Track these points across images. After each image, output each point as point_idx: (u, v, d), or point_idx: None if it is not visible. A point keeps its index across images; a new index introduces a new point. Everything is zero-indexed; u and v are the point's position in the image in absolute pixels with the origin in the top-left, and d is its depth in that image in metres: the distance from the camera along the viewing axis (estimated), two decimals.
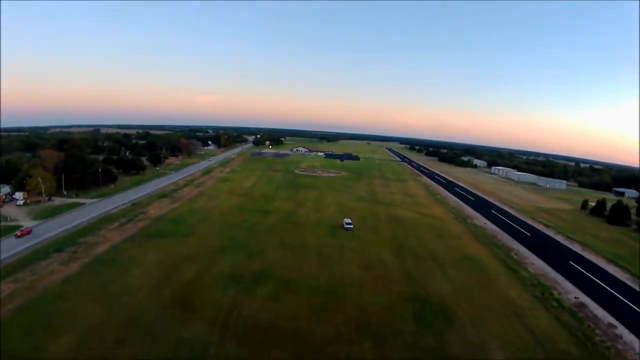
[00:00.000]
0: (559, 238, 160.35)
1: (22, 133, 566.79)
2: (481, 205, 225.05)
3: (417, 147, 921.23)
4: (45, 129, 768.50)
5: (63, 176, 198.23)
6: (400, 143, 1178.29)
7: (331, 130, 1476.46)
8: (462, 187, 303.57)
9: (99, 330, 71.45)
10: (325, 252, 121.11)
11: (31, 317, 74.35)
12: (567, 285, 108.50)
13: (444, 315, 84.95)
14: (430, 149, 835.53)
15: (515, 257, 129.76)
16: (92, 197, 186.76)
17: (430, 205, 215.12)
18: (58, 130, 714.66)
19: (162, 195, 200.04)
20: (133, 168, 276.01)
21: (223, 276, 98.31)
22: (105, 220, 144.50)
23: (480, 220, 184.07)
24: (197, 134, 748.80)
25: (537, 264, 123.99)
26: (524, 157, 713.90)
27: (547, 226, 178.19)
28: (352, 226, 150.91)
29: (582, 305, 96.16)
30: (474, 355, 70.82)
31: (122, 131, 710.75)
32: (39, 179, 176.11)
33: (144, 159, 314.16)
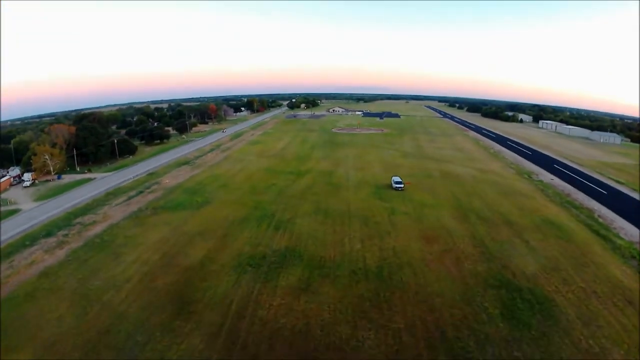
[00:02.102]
0: (635, 196, 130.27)
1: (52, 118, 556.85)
2: (541, 160, 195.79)
3: (457, 105, 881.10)
4: (77, 111, 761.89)
5: (74, 151, 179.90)
6: (439, 102, 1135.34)
7: (368, 92, 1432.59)
8: (514, 141, 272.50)
9: (59, 346, 50.95)
10: (371, 219, 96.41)
11: None
12: None
13: (541, 307, 59.41)
14: (471, 106, 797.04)
15: (600, 220, 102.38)
16: (105, 171, 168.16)
17: (485, 160, 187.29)
18: (89, 111, 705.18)
19: (182, 162, 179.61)
20: (156, 138, 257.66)
21: (238, 258, 75.55)
22: (111, 195, 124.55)
23: (546, 176, 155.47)
24: (231, 102, 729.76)
25: (627, 229, 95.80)
26: (567, 113, 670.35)
27: (619, 182, 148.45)
28: (402, 186, 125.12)
29: None
30: None
31: (154, 106, 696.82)
32: (47, 156, 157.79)
33: (169, 128, 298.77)
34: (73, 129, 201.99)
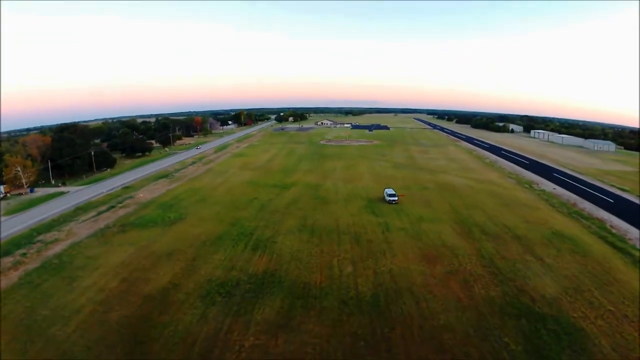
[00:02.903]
0: None
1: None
2: (539, 169, 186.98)
3: (446, 117, 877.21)
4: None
5: (49, 163, 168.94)
6: (428, 114, 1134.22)
7: (356, 106, 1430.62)
8: (508, 150, 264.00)
9: None
10: (364, 237, 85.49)
11: None
12: None
13: (570, 340, 48.94)
14: (460, 117, 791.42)
15: (613, 230, 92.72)
16: (80, 184, 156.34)
17: (481, 171, 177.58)
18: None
19: (161, 176, 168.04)
20: (138, 150, 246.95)
21: (208, 285, 64.01)
22: (80, 210, 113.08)
23: (548, 185, 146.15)
24: (219, 116, 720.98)
25: None
26: (557, 122, 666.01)
27: (623, 190, 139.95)
28: (396, 198, 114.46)
29: None
30: None
31: (143, 120, 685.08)
32: (18, 168, 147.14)
33: (152, 141, 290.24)
34: (49, 139, 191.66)
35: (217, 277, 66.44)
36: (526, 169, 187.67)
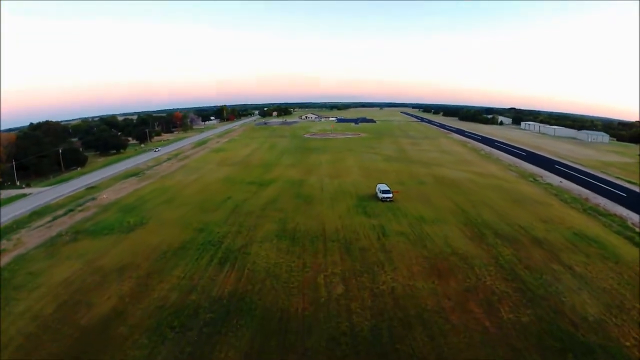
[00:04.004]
0: None
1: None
2: (539, 161, 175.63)
3: (432, 110, 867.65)
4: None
5: (14, 163, 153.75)
6: (413, 108, 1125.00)
7: (341, 100, 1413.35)
8: (502, 142, 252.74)
9: None
10: (356, 244, 71.63)
11: None
12: None
13: None
14: (446, 111, 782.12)
15: (637, 229, 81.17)
16: (45, 185, 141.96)
17: (479, 163, 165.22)
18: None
19: (131, 174, 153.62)
20: (112, 147, 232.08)
21: (159, 313, 50.09)
22: (36, 215, 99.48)
23: (553, 178, 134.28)
24: (203, 113, 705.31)
25: None
26: (545, 115, 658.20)
27: (631, 183, 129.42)
28: (391, 195, 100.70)
29: None
30: None
31: (125, 117, 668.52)
32: None
33: (129, 138, 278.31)
34: (14, 138, 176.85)
35: (172, 302, 52.30)
36: (525, 160, 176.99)
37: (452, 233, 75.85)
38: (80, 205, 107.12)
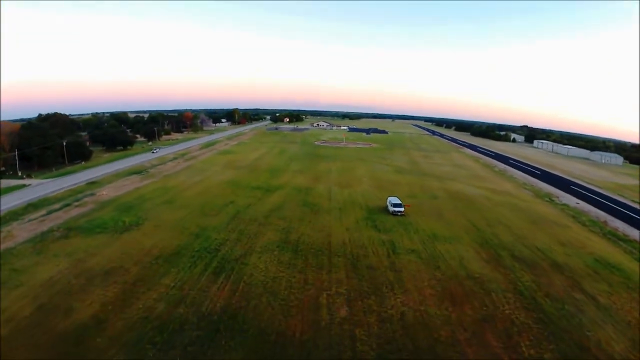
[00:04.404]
0: None
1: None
2: (554, 180, 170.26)
3: (444, 124, 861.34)
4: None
5: (17, 153, 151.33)
6: (425, 121, 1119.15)
7: (353, 111, 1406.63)
8: (516, 159, 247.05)
9: None
10: (363, 261, 66.13)
11: None
12: None
13: None
14: (458, 125, 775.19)
15: None
16: (46, 177, 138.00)
17: (493, 179, 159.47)
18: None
19: (135, 171, 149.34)
20: (119, 143, 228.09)
21: (141, 326, 45.25)
22: (31, 208, 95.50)
23: (569, 199, 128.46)
24: (214, 114, 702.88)
25: None
26: (558, 134, 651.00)
27: None
28: (402, 209, 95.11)
29: None
30: None
31: (137, 114, 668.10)
32: None
33: (137, 135, 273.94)
34: (18, 127, 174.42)
35: (158, 314, 47.37)
36: (540, 179, 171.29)
37: (466, 253, 70.30)
38: (78, 200, 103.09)
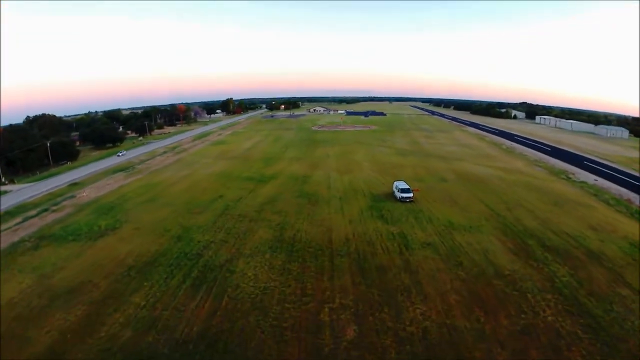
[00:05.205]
0: None
1: None
2: (566, 157, 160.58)
3: (442, 104, 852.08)
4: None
5: None
6: (423, 102, 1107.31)
7: (349, 95, 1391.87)
8: (522, 136, 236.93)
9: None
10: (371, 260, 56.53)
11: None
12: None
13: None
14: (457, 105, 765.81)
15: None
16: (30, 181, 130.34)
17: (503, 158, 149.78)
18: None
19: (121, 168, 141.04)
20: (108, 140, 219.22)
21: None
22: (8, 216, 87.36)
23: (585, 175, 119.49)
24: (210, 106, 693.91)
25: None
26: (558, 110, 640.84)
27: None
28: (411, 195, 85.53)
29: None
30: None
31: (132, 111, 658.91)
32: None
33: (128, 131, 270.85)
34: (0, 130, 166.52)
35: (122, 344, 38.82)
36: (551, 156, 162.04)
37: (491, 245, 60.82)
38: (56, 204, 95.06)
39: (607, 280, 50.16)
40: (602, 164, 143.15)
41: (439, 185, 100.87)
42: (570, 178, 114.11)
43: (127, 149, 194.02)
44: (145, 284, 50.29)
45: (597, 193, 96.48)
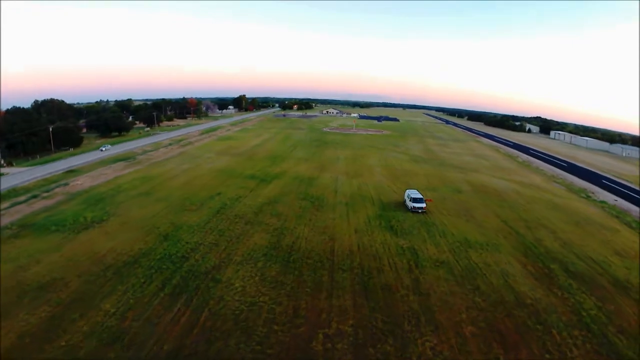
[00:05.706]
0: None
1: None
2: (583, 174, 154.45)
3: (456, 114, 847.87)
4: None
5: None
6: (437, 111, 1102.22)
7: (363, 99, 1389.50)
8: (537, 150, 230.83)
9: None
10: (377, 278, 50.31)
11: None
12: None
13: None
14: (470, 115, 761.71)
15: None
16: (27, 165, 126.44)
17: (519, 171, 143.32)
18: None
19: (122, 158, 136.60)
20: (114, 129, 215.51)
21: None
22: None
23: (605, 195, 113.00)
24: (222, 101, 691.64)
25: None
26: (572, 126, 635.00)
27: None
28: (424, 205, 79.51)
29: None
30: None
31: (144, 102, 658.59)
32: None
33: (136, 121, 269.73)
34: (2, 113, 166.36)
35: (83, 355, 33.89)
36: (568, 172, 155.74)
37: (510, 267, 54.57)
38: (48, 191, 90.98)
39: (636, 314, 44.47)
40: (621, 183, 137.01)
41: (454, 196, 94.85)
42: (590, 197, 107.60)
43: (132, 139, 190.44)
44: (119, 287, 44.79)
45: (619, 215, 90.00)
